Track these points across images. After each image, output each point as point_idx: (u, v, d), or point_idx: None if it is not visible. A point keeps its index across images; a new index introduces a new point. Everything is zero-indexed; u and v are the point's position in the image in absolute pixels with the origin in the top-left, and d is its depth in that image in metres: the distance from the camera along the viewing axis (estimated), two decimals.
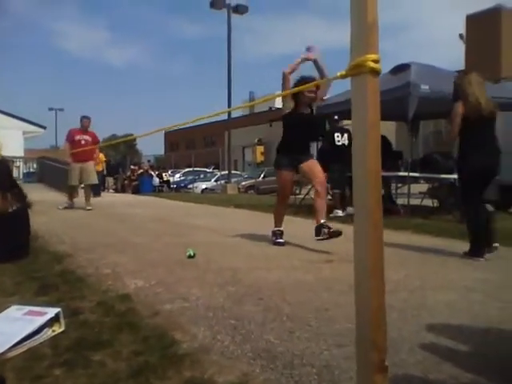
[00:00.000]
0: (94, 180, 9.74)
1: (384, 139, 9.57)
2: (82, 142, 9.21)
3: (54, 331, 2.24)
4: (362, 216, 0.98)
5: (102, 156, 15.71)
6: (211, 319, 2.42)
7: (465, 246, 5.01)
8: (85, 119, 9.39)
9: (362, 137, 0.97)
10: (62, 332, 2.23)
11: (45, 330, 2.22)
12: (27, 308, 2.42)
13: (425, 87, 7.04)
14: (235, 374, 1.75)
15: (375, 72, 0.94)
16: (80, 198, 9.51)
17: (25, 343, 2.09)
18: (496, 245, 4.41)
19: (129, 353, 1.95)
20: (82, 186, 9.60)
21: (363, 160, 0.97)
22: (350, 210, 7.87)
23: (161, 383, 1.68)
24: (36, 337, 2.16)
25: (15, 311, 2.41)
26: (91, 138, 9.34)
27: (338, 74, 1.02)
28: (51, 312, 2.30)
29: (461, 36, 22.21)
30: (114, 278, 3.34)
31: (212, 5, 19.26)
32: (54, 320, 2.28)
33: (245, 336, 2.17)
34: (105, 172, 17.20)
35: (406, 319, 2.41)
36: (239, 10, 19.69)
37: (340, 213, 8.00)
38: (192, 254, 4.11)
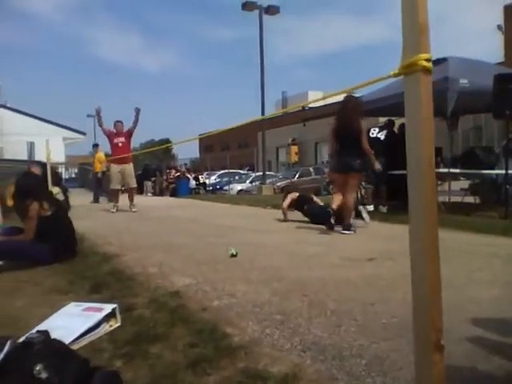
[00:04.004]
0: (134, 183, 9.99)
1: None
2: (120, 145, 9.49)
3: (111, 326, 2.37)
4: (418, 206, 1.03)
5: (101, 155, 14.40)
6: (259, 314, 2.50)
7: (508, 243, 4.91)
8: (118, 123, 9.65)
9: (416, 133, 1.02)
10: (118, 327, 2.35)
11: (102, 324, 2.35)
12: (85, 304, 2.57)
13: (463, 81, 6.90)
14: (287, 365, 1.82)
15: (427, 71, 0.99)
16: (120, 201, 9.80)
17: (85, 337, 2.22)
18: None
19: (184, 345, 2.05)
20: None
21: (418, 156, 1.02)
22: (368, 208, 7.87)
23: (217, 373, 1.76)
24: (95, 331, 2.29)
25: (74, 307, 2.55)
26: (126, 138, 9.57)
27: (391, 72, 1.07)
28: (108, 308, 2.43)
29: (499, 27, 21.56)
30: (161, 277, 3.47)
31: (244, 6, 19.41)
32: (111, 315, 2.41)
33: (293, 330, 2.23)
34: (106, 173, 16.44)
35: (453, 313, 2.40)
36: (270, 11, 19.74)
37: (370, 208, 8.01)
38: (234, 253, 4.20)
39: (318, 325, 2.29)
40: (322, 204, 7.32)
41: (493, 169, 8.00)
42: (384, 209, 8.19)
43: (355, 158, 5.81)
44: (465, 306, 2.56)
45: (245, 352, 1.96)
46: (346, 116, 5.87)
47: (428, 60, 0.97)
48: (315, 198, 7.67)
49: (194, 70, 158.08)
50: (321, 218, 6.27)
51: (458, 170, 7.91)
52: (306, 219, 7.01)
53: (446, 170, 7.59)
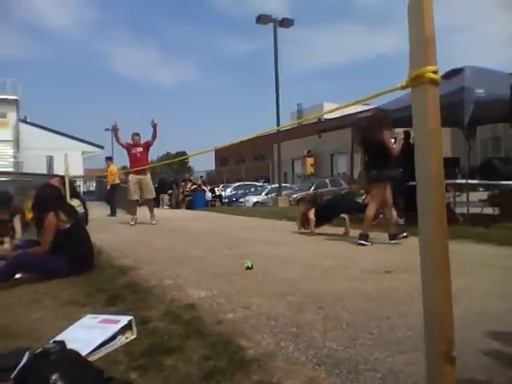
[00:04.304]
0: (153, 194, 10.06)
1: None
2: (138, 156, 9.62)
3: (127, 338, 2.39)
4: (427, 218, 1.03)
5: (113, 168, 14.23)
6: (274, 327, 2.49)
7: None
8: (135, 136, 9.79)
9: (424, 144, 1.03)
10: (134, 339, 2.37)
11: (119, 336, 2.37)
12: (101, 317, 2.59)
13: (480, 91, 6.86)
14: (301, 379, 1.81)
15: (434, 82, 1.00)
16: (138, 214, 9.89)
17: (101, 349, 2.24)
18: None
19: (198, 357, 2.05)
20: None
21: (426, 166, 1.03)
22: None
23: None
24: (111, 343, 2.31)
25: (90, 319, 2.58)
26: (143, 149, 9.68)
27: (399, 85, 1.09)
28: (124, 320, 2.45)
29: None
30: (177, 289, 3.49)
31: (258, 20, 19.60)
32: (127, 327, 2.43)
33: (308, 343, 2.22)
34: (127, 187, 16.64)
35: (469, 326, 2.37)
36: (285, 23, 19.89)
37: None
38: (250, 266, 4.20)
39: (333, 338, 2.28)
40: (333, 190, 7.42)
41: (511, 179, 7.88)
42: (401, 220, 8.11)
43: (382, 168, 5.93)
44: (482, 318, 2.52)
45: (259, 365, 1.95)
46: (373, 127, 5.98)
47: (435, 72, 0.99)
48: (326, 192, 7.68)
49: (210, 83, 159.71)
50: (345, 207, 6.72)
51: (476, 181, 7.81)
52: (326, 232, 6.99)
53: (463, 181, 7.50)
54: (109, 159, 14.90)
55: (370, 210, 5.94)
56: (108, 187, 14.40)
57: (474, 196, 9.10)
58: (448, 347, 0.99)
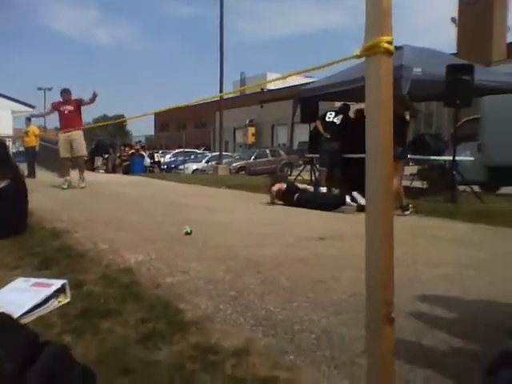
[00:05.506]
0: (84, 152, 9.58)
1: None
2: (66, 113, 9.09)
3: (60, 302, 2.31)
4: (375, 187, 1.06)
5: (34, 129, 13.72)
6: (212, 291, 2.51)
7: (454, 225, 5.16)
8: (64, 93, 9.18)
9: (376, 114, 1.04)
10: (68, 302, 2.30)
11: (51, 300, 2.29)
12: (33, 280, 2.49)
13: (417, 70, 7.10)
14: (239, 340, 1.84)
15: (389, 53, 1.02)
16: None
17: (33, 312, 2.17)
18: None
19: (136, 320, 2.03)
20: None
21: (376, 136, 1.05)
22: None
23: (169, 348, 1.77)
24: (44, 306, 2.23)
25: (22, 283, 2.47)
26: (74, 107, 9.09)
27: (354, 53, 1.08)
28: (57, 283, 2.37)
29: (453, 19, 22.20)
30: (113, 253, 3.41)
31: None
32: (60, 291, 2.35)
33: (246, 306, 2.26)
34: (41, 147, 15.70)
35: (402, 291, 2.50)
36: None
37: (323, 189, 8.17)
38: (189, 231, 4.19)
39: (271, 301, 2.33)
40: (312, 191, 7.44)
41: (441, 155, 8.32)
42: (336, 191, 8.36)
43: (397, 145, 6.02)
44: (412, 284, 2.68)
45: (197, 327, 1.97)
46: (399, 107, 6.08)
47: (390, 42, 1.00)
48: (303, 186, 7.65)
49: (152, 45, 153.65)
50: (319, 202, 6.50)
51: (408, 156, 8.16)
52: (269, 201, 7.03)
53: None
54: (29, 119, 14.00)
55: (396, 184, 6.02)
56: (22, 149, 13.63)
57: (406, 170, 9.55)
58: (388, 309, 1.04)
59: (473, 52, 17.19)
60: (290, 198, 7.01)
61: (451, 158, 7.56)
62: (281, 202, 6.93)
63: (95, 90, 9.02)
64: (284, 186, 7.30)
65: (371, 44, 1.01)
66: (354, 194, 6.32)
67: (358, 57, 1.06)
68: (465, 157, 8.65)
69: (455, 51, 19.96)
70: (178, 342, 1.81)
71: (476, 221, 5.35)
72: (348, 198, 6.33)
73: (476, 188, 8.24)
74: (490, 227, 5.00)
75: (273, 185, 7.32)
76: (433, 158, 8.29)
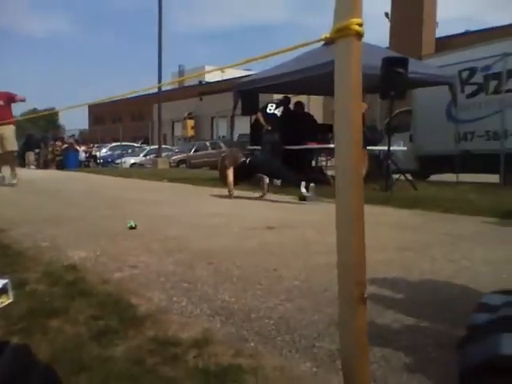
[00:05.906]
0: (14, 146, 9.08)
1: (308, 115, 9.86)
2: None
3: (2, 303, 2.17)
4: (346, 173, 1.07)
5: None
6: (164, 283, 2.46)
7: (391, 212, 5.39)
8: None
9: (346, 98, 1.04)
10: (11, 303, 2.17)
11: None
12: None
13: None
14: (197, 330, 1.82)
15: (359, 35, 1.00)
16: None
17: None
18: None
19: (86, 318, 1.95)
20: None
21: (347, 119, 1.04)
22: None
23: (125, 343, 1.71)
24: None
25: None
26: (4, 100, 8.61)
27: (323, 35, 1.07)
28: None
29: (386, 15, 23.01)
30: (55, 250, 3.25)
31: None
32: (2, 291, 2.21)
33: (200, 297, 2.24)
34: None
35: None
36: None
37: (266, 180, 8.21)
38: (133, 225, 4.08)
39: (225, 291, 2.32)
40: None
41: (376, 146, 8.65)
42: (278, 182, 8.46)
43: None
44: None
45: (152, 321, 1.92)
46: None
47: (360, 25, 0.99)
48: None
49: (86, 37, 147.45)
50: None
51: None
52: (215, 193, 6.95)
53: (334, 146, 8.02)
54: None
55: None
56: None
57: None
58: (361, 289, 1.06)
59: (404, 46, 17.94)
60: (243, 165, 6.84)
61: (386, 148, 7.88)
62: (237, 192, 6.81)
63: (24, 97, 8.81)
64: (237, 156, 7.09)
65: (341, 26, 0.99)
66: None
67: (328, 39, 1.04)
68: (398, 147, 9.04)
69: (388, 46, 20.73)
70: (135, 337, 1.76)
71: (411, 207, 5.62)
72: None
73: (409, 176, 8.64)
74: (425, 212, 5.27)
75: (223, 160, 7.09)
76: (369, 148, 8.60)
